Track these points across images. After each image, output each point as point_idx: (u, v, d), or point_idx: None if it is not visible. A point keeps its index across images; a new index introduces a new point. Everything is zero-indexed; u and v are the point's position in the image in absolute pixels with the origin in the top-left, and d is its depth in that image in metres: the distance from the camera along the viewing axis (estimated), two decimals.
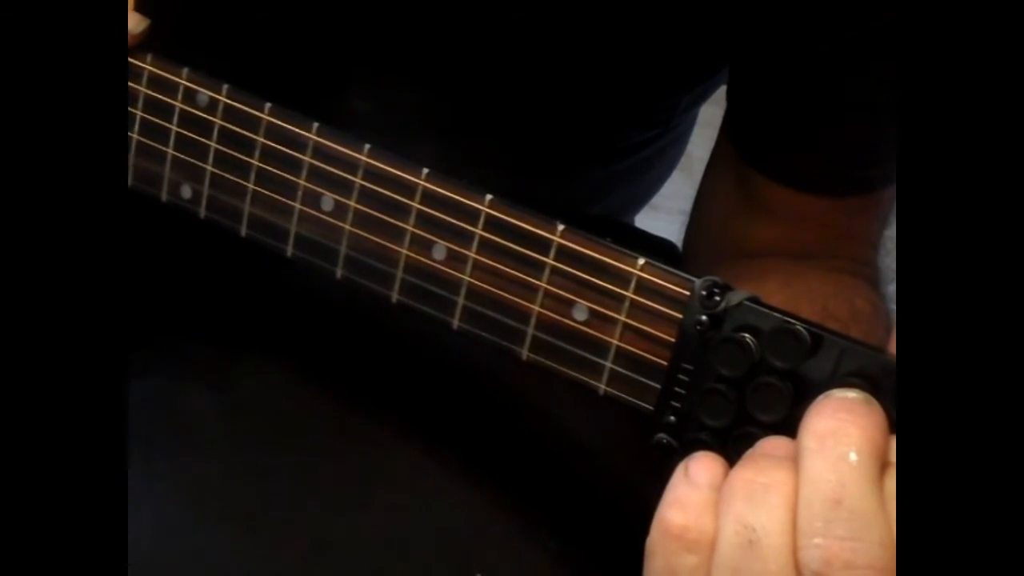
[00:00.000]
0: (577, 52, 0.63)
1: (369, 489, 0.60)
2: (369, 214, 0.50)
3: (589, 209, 0.80)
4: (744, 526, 0.37)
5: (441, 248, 0.49)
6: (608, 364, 0.46)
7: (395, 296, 0.50)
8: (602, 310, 0.46)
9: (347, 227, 0.50)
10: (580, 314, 0.46)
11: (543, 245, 0.47)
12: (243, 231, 0.53)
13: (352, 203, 0.50)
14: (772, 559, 0.37)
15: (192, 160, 0.54)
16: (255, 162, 0.52)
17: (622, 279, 0.45)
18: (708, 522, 0.39)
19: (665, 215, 1.07)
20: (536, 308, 0.47)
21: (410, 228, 0.49)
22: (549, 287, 0.47)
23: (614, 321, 0.46)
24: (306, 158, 0.51)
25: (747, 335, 0.42)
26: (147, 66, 0.54)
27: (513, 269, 0.47)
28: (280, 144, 0.51)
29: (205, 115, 0.53)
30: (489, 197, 0.48)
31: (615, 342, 0.46)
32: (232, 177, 0.53)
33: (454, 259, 0.49)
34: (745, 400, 0.42)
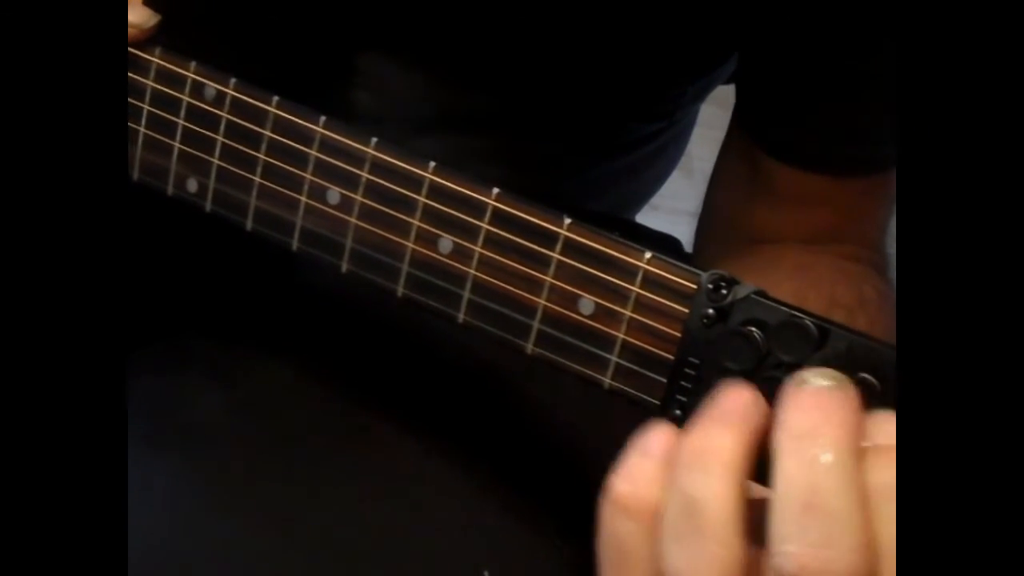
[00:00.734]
0: (583, 41, 0.63)
1: (376, 487, 0.60)
2: (375, 208, 0.50)
3: (590, 206, 0.80)
4: (685, 495, 0.37)
5: (447, 242, 0.49)
6: (614, 358, 0.46)
7: (400, 290, 0.50)
8: (608, 304, 0.46)
9: (353, 221, 0.51)
10: (586, 308, 0.46)
11: (550, 239, 0.47)
12: (249, 225, 0.53)
13: (358, 197, 0.50)
14: (713, 529, 0.36)
15: (199, 154, 0.54)
16: (262, 156, 0.52)
17: (628, 273, 0.45)
18: (653, 491, 0.38)
19: (665, 215, 1.07)
20: (542, 302, 0.47)
21: (416, 222, 0.49)
22: (555, 281, 0.47)
23: (620, 315, 0.46)
24: (312, 152, 0.51)
25: (754, 328, 0.42)
26: (155, 59, 0.54)
27: (519, 263, 0.47)
28: (287, 138, 0.51)
29: (212, 109, 0.53)
30: (496, 191, 0.48)
31: (621, 336, 0.46)
32: (238, 171, 0.53)
33: (460, 253, 0.49)
34: None
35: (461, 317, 0.49)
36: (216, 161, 0.53)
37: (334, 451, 0.61)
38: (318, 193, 0.51)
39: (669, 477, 0.39)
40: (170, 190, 0.55)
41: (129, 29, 0.53)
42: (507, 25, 0.63)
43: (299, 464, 0.61)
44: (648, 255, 0.45)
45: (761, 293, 0.43)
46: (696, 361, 0.44)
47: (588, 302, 0.46)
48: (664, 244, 0.81)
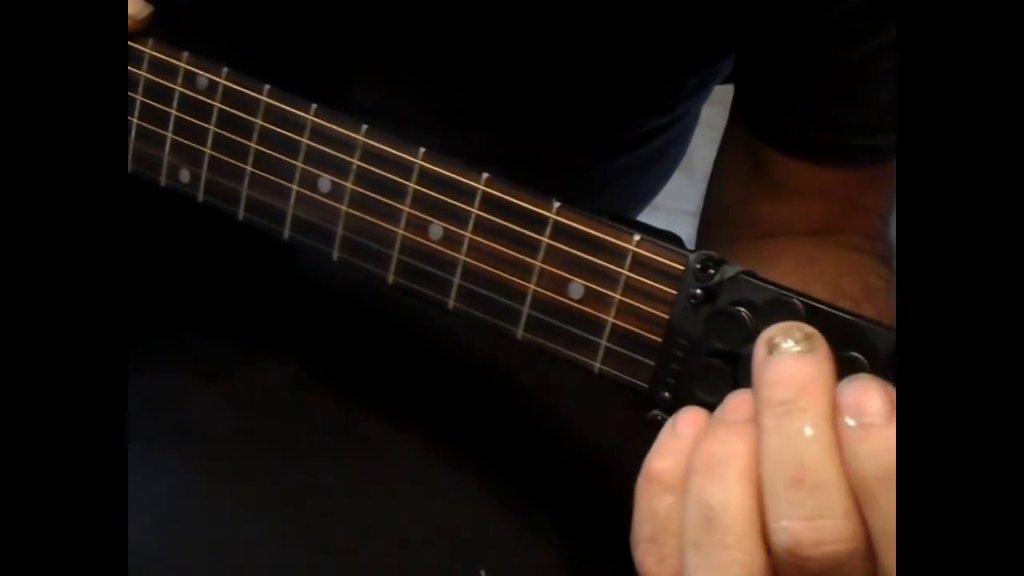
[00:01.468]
0: (580, 32, 0.63)
1: (372, 485, 0.60)
2: (366, 195, 0.50)
3: (592, 206, 0.80)
4: (701, 503, 0.38)
5: (437, 228, 0.49)
6: (603, 342, 0.46)
7: (391, 277, 0.50)
8: (597, 287, 0.46)
9: (344, 208, 0.51)
10: (575, 292, 0.46)
11: (539, 223, 0.47)
12: (241, 214, 0.53)
13: (349, 184, 0.50)
14: (731, 534, 0.37)
15: (191, 144, 0.54)
16: (253, 145, 0.52)
17: (617, 255, 0.45)
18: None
19: (665, 215, 1.07)
20: (531, 287, 0.47)
21: (406, 209, 0.49)
22: (544, 266, 0.47)
23: (609, 298, 0.46)
24: (304, 139, 0.51)
25: (742, 308, 0.42)
26: (148, 50, 0.54)
27: (509, 248, 0.47)
28: (278, 126, 0.51)
29: (204, 98, 0.53)
30: (486, 176, 0.48)
31: (610, 320, 0.46)
32: (230, 160, 0.53)
33: (450, 239, 0.49)
34: (740, 374, 0.42)
35: (451, 303, 0.49)
36: (208, 151, 0.53)
37: (330, 448, 0.61)
38: (309, 181, 0.51)
39: (684, 484, 0.39)
40: (163, 181, 0.55)
41: None
42: (503, 19, 0.63)
43: (294, 461, 0.60)
44: (637, 237, 0.45)
45: (749, 273, 0.43)
46: (684, 342, 0.44)
47: (578, 286, 0.46)
48: (668, 240, 0.81)
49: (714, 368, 0.42)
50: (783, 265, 0.64)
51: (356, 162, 0.50)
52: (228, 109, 0.52)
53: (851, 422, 0.36)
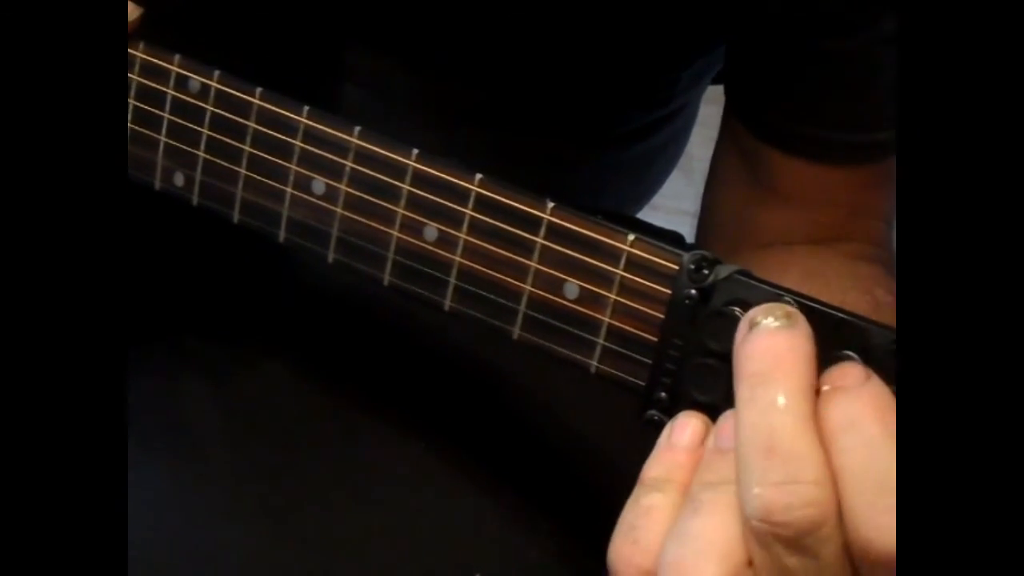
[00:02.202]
0: (573, 25, 0.63)
1: (369, 487, 0.60)
2: (360, 197, 0.50)
3: (591, 203, 0.80)
4: (691, 532, 0.38)
5: (432, 229, 0.49)
6: (600, 342, 0.46)
7: (387, 278, 0.50)
8: (592, 288, 0.46)
9: (339, 210, 0.50)
10: (571, 292, 0.46)
11: (533, 223, 0.47)
12: (236, 217, 0.53)
13: (343, 186, 0.50)
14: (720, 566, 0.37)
15: (185, 147, 0.54)
16: (247, 147, 0.52)
17: (612, 255, 0.45)
18: (681, 474, 0.40)
19: (665, 215, 1.07)
20: (527, 288, 0.47)
21: (401, 210, 0.49)
22: (539, 266, 0.47)
23: (605, 298, 0.45)
24: (297, 142, 0.51)
25: (736, 308, 0.42)
26: (139, 54, 0.54)
27: (503, 249, 0.47)
28: (271, 128, 0.51)
29: (197, 101, 0.53)
30: (479, 177, 0.48)
31: (606, 320, 0.45)
32: (224, 163, 0.53)
33: (445, 240, 0.48)
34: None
35: (447, 304, 0.49)
36: (202, 154, 0.53)
37: (325, 451, 0.61)
38: (303, 184, 0.51)
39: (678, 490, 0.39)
40: (157, 184, 0.55)
41: None
42: (496, 13, 0.63)
43: (290, 463, 0.61)
44: (631, 237, 0.45)
45: (743, 272, 0.42)
46: (680, 343, 0.43)
47: (573, 286, 0.46)
48: (668, 239, 0.81)
49: (709, 368, 0.42)
50: (787, 279, 0.63)
51: (349, 164, 0.50)
52: (220, 112, 0.52)
53: (826, 387, 0.37)
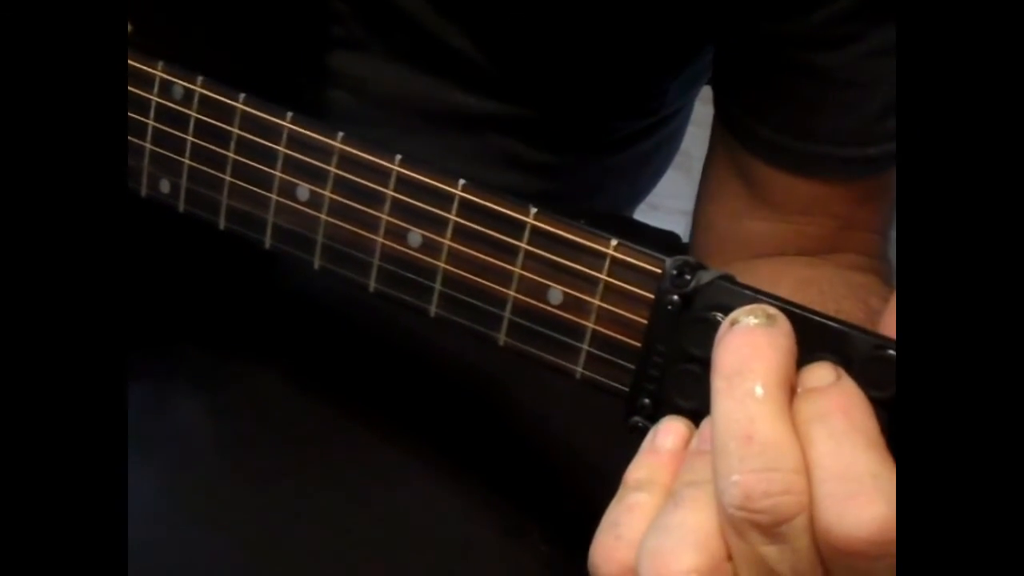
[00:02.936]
0: (560, 34, 0.63)
1: (359, 492, 0.60)
2: (344, 203, 0.50)
3: (582, 205, 0.79)
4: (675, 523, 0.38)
5: (416, 236, 0.48)
6: (584, 347, 0.45)
7: (372, 285, 0.50)
8: (576, 293, 0.45)
9: (323, 217, 0.50)
10: (555, 298, 0.46)
11: (517, 227, 0.46)
12: (222, 224, 0.53)
13: (327, 192, 0.50)
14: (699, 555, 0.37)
15: (170, 154, 0.53)
16: (231, 154, 0.52)
17: (596, 260, 0.45)
18: (665, 476, 0.40)
19: (664, 214, 1.07)
20: (512, 293, 0.47)
21: (385, 216, 0.49)
22: (524, 272, 0.46)
23: (588, 304, 0.45)
24: (281, 147, 0.51)
25: (719, 314, 0.41)
26: None
27: (488, 255, 0.47)
28: (255, 134, 0.51)
29: (181, 108, 0.53)
30: (463, 182, 0.47)
31: (590, 325, 0.45)
32: (209, 170, 0.53)
33: (429, 247, 0.48)
34: None
35: (433, 310, 0.49)
36: (187, 161, 0.53)
37: (317, 456, 0.61)
38: (288, 190, 0.51)
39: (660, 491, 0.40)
40: (144, 191, 0.55)
41: None
42: (483, 20, 0.63)
43: (280, 468, 0.61)
44: (614, 242, 0.45)
45: (726, 277, 0.42)
46: (663, 348, 0.43)
47: (557, 292, 0.46)
48: (664, 241, 0.80)
49: (692, 374, 0.42)
50: (781, 289, 0.62)
51: (333, 169, 0.50)
52: (204, 118, 0.52)
53: (799, 389, 0.38)
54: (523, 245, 0.46)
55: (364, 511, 0.59)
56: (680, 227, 0.86)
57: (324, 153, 0.50)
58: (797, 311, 0.40)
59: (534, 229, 0.46)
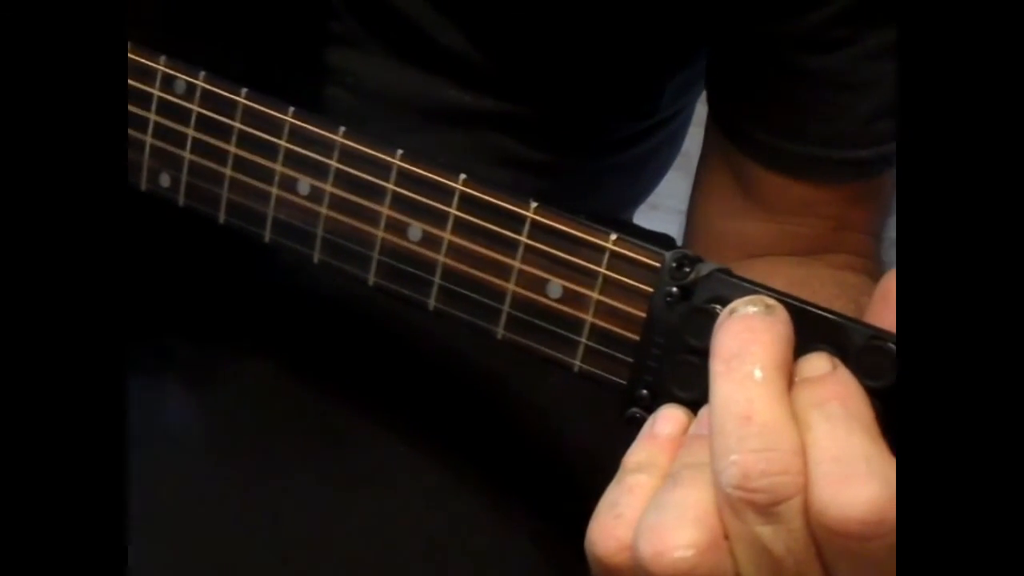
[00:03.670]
0: (557, 35, 0.63)
1: (351, 491, 0.60)
2: (345, 197, 0.50)
3: (581, 205, 0.79)
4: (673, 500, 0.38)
5: (416, 229, 0.49)
6: (583, 341, 0.46)
7: (372, 279, 0.50)
8: (575, 287, 0.46)
9: (324, 211, 0.50)
10: (554, 292, 0.46)
11: (517, 221, 0.46)
12: (221, 218, 0.53)
13: (328, 186, 0.50)
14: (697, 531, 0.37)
15: (170, 148, 0.54)
16: (232, 148, 0.52)
17: (595, 254, 0.45)
18: (663, 459, 0.40)
19: (664, 214, 1.07)
20: (511, 287, 0.47)
21: (385, 210, 0.49)
22: (523, 266, 0.47)
23: (587, 297, 0.45)
24: (282, 142, 0.51)
25: (717, 306, 0.42)
26: None
27: (487, 249, 0.47)
28: (257, 128, 0.51)
29: (183, 102, 0.53)
30: (463, 176, 0.48)
31: (589, 318, 0.45)
32: (210, 164, 0.53)
33: (429, 241, 0.48)
34: None
35: (432, 304, 0.49)
36: (188, 155, 0.53)
37: (309, 452, 0.61)
38: (289, 184, 0.51)
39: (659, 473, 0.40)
40: (143, 185, 0.55)
41: None
42: (480, 19, 0.63)
43: (274, 465, 0.60)
44: (614, 236, 0.45)
45: (724, 270, 0.42)
46: (661, 340, 0.43)
47: (556, 286, 0.46)
48: (659, 241, 0.80)
49: (690, 365, 0.42)
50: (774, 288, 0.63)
51: (334, 163, 0.50)
52: (206, 112, 0.52)
53: (796, 379, 0.38)
54: (523, 239, 0.46)
55: (354, 511, 0.59)
56: (679, 227, 0.86)
57: (325, 147, 0.50)
58: (794, 303, 0.40)
59: (534, 223, 0.46)
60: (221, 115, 0.52)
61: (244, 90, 0.52)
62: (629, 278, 0.44)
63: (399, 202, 0.49)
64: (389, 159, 0.49)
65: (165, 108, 0.53)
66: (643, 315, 0.44)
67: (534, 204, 0.46)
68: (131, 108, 0.54)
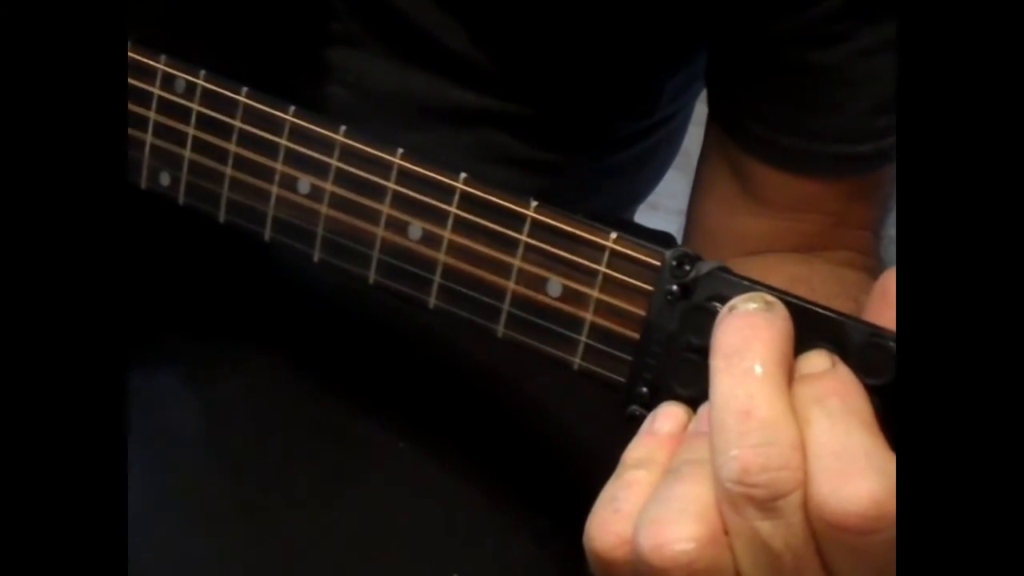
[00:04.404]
0: (557, 33, 0.63)
1: (348, 488, 0.60)
2: (345, 196, 0.50)
3: (580, 205, 0.79)
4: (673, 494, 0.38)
5: (416, 228, 0.49)
6: (583, 339, 0.46)
7: (372, 277, 0.50)
8: (575, 285, 0.46)
9: (324, 209, 0.51)
10: (554, 290, 0.46)
11: (517, 220, 0.47)
12: (222, 217, 0.53)
13: (328, 185, 0.50)
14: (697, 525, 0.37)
15: (170, 147, 0.54)
16: (232, 147, 0.52)
17: (595, 252, 0.45)
18: (663, 455, 0.40)
19: (664, 214, 1.07)
20: (511, 285, 0.47)
21: (386, 209, 0.49)
22: (523, 264, 0.47)
23: (587, 296, 0.45)
24: (282, 141, 0.51)
25: (717, 303, 0.42)
26: None
27: (488, 247, 0.47)
28: (257, 127, 0.51)
29: (183, 101, 0.53)
30: (464, 175, 0.48)
31: (589, 317, 0.45)
32: (210, 162, 0.53)
33: (429, 239, 0.48)
34: None
35: (432, 302, 0.49)
36: (188, 154, 0.53)
37: (309, 452, 0.61)
38: (289, 183, 0.51)
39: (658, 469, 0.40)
40: (143, 184, 0.55)
41: None
42: (480, 18, 0.63)
43: (273, 463, 0.61)
44: (614, 235, 0.45)
45: (724, 268, 0.42)
46: (661, 338, 0.43)
47: (556, 284, 0.46)
48: (659, 240, 0.81)
49: (690, 363, 0.42)
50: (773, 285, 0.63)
51: (335, 162, 0.50)
52: (206, 111, 0.52)
53: (796, 376, 0.38)
54: (523, 238, 0.46)
55: (351, 508, 0.59)
56: (679, 226, 0.86)
57: (326, 146, 0.50)
58: (794, 300, 0.40)
59: (534, 222, 0.46)
60: (221, 114, 0.52)
61: (244, 89, 0.52)
62: (629, 276, 0.44)
63: (399, 201, 0.49)
64: (390, 158, 0.49)
65: (165, 107, 0.53)
66: (643, 313, 0.44)
67: (534, 203, 0.46)
68: (131, 107, 0.54)
